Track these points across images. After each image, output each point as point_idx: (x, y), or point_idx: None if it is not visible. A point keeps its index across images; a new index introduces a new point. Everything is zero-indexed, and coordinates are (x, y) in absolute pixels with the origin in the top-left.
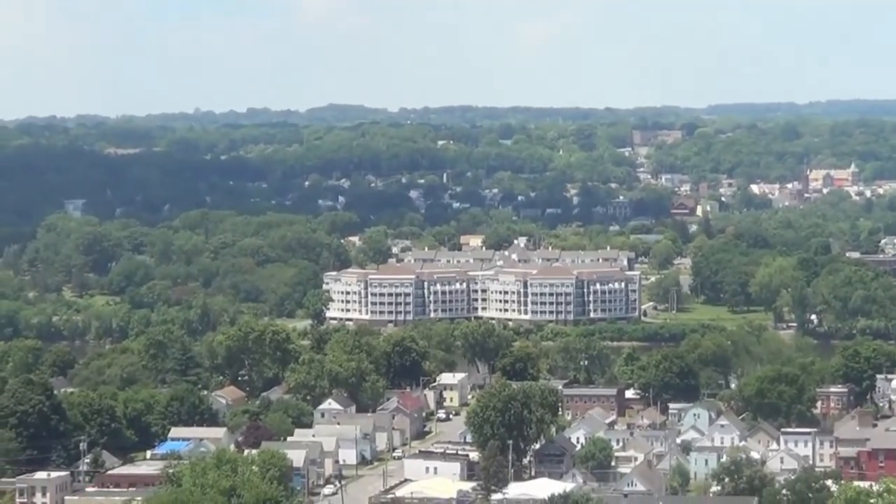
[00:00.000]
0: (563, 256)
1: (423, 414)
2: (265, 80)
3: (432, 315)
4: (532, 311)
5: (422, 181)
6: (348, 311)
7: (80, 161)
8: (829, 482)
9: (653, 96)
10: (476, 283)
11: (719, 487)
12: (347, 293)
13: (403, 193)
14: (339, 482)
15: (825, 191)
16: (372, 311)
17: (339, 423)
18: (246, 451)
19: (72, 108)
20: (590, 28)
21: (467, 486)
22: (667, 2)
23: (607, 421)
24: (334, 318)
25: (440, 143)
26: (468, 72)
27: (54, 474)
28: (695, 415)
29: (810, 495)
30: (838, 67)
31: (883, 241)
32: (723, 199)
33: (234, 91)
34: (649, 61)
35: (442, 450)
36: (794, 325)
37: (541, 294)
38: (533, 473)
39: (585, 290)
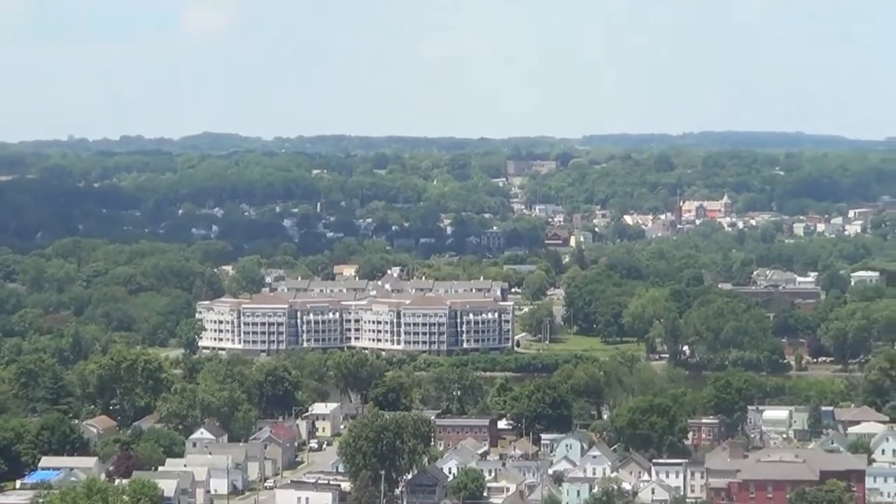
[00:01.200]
0: (436, 286)
1: (296, 444)
2: (139, 106)
3: (305, 345)
4: (405, 342)
5: (296, 210)
6: (221, 340)
7: None
8: None
9: (527, 126)
10: (349, 313)
11: None
12: (220, 322)
13: (277, 222)
14: None
15: (698, 222)
16: (245, 341)
17: (210, 453)
18: (117, 481)
19: None
20: (463, 57)
21: None
22: (540, 30)
23: (480, 451)
24: (207, 348)
25: (314, 172)
26: (343, 101)
27: None
28: (567, 445)
29: None
30: (711, 99)
31: (755, 273)
32: (596, 229)
33: (107, 118)
34: (523, 91)
35: (314, 480)
36: (667, 355)
37: (414, 324)
38: (405, 503)
39: (459, 320)
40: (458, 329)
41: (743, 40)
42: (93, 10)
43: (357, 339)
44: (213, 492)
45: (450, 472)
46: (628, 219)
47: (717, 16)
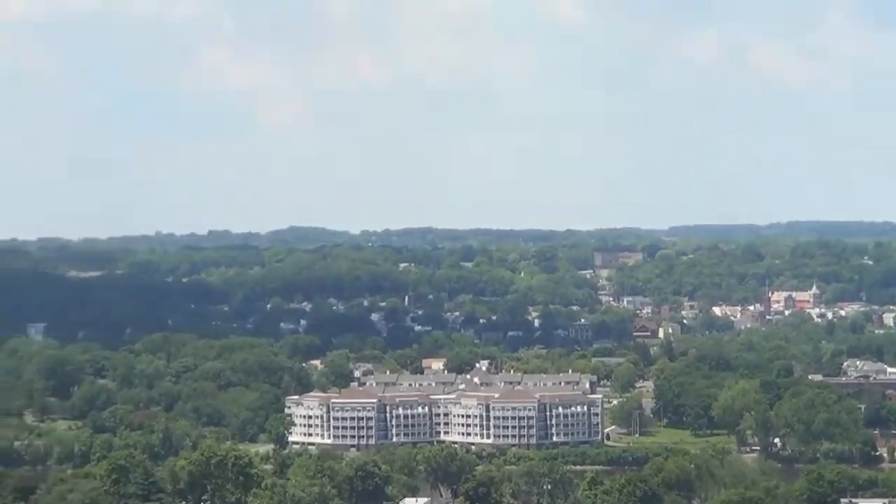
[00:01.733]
0: (525, 380)
1: None
2: (226, 202)
3: (395, 439)
4: (494, 435)
5: (383, 304)
6: (310, 435)
7: (41, 284)
8: None
9: (614, 218)
10: (438, 407)
11: None
12: (309, 417)
13: (365, 316)
14: None
15: (787, 313)
16: (334, 436)
17: None
18: None
19: (33, 231)
20: (549, 149)
21: None
22: (624, 125)
23: None
24: (296, 443)
25: (402, 265)
26: (429, 194)
27: None
28: None
29: None
30: (799, 189)
31: (845, 364)
32: (684, 321)
33: (194, 213)
34: (610, 182)
35: None
36: (758, 448)
37: (503, 418)
38: None
39: (548, 413)
40: (548, 422)
41: (829, 130)
42: (176, 106)
43: (446, 433)
44: None
45: None
46: (716, 310)
47: (801, 106)
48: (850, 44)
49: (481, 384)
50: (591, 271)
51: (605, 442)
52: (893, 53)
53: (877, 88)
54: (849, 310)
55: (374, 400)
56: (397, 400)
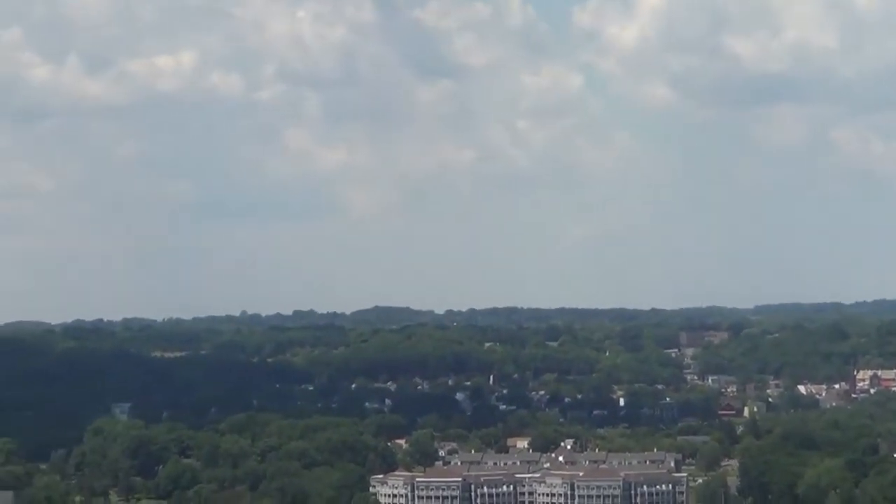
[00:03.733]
0: (609, 458)
1: None
2: (311, 282)
3: None
4: None
5: (468, 383)
6: None
7: (126, 364)
8: None
9: (699, 296)
10: (523, 486)
11: None
12: (394, 496)
13: (450, 396)
14: None
15: (872, 391)
16: None
17: None
18: None
19: (118, 312)
20: (633, 228)
21: None
22: (704, 201)
23: None
24: None
25: (487, 345)
26: (513, 273)
27: None
28: None
29: None
30: (884, 267)
31: None
32: (770, 399)
33: (279, 294)
34: (694, 261)
35: None
36: None
37: (588, 496)
38: None
39: (633, 492)
40: (633, 501)
41: None
42: (258, 189)
43: None
44: None
45: None
46: (802, 388)
47: (883, 185)
48: None
49: (566, 463)
50: (677, 350)
51: None
52: None
53: None
54: None
55: (459, 479)
56: (482, 479)
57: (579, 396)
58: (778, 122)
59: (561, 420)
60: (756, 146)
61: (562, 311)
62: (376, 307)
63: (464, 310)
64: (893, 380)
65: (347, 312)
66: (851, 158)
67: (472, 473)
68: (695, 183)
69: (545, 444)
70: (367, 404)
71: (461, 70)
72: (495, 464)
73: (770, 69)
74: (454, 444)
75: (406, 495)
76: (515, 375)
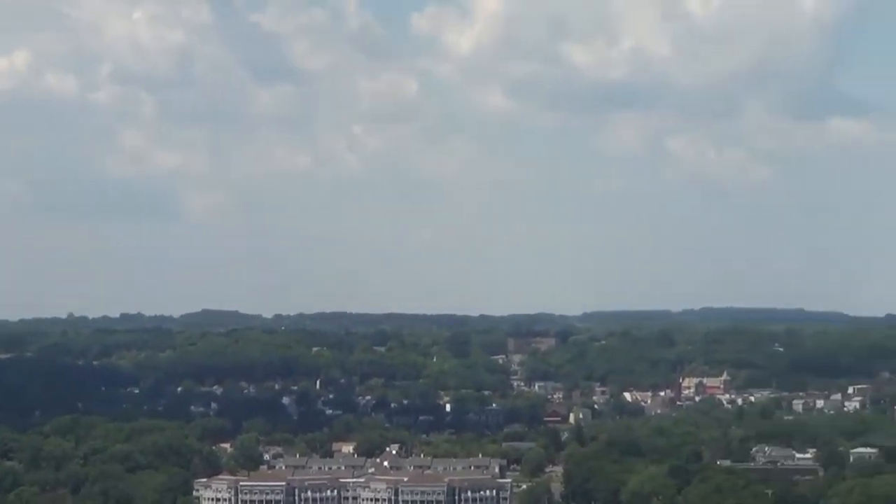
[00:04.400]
0: (435, 464)
1: None
2: (140, 284)
3: None
4: None
5: (295, 387)
6: None
7: None
8: None
9: (527, 303)
10: (347, 491)
11: None
12: (218, 500)
13: (276, 400)
14: None
15: (697, 399)
16: None
17: None
18: None
19: None
20: (465, 234)
21: None
22: (537, 208)
23: None
24: None
25: (314, 349)
26: (343, 278)
27: None
28: None
29: None
30: (711, 276)
31: (754, 450)
32: (595, 406)
33: (107, 296)
34: (524, 268)
35: None
36: None
37: (412, 501)
38: None
39: (457, 497)
40: None
41: (743, 219)
42: (90, 188)
43: None
44: None
45: None
46: (627, 395)
47: (715, 196)
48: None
49: (391, 468)
50: (504, 356)
51: None
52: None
53: (796, 177)
54: (759, 396)
55: (283, 483)
56: (306, 483)
57: (405, 402)
58: (616, 129)
59: (387, 425)
60: (595, 153)
61: (390, 317)
62: (205, 310)
63: (292, 314)
64: (718, 387)
65: (176, 315)
66: (687, 166)
67: (297, 478)
68: (531, 190)
69: (370, 449)
70: (192, 408)
71: (299, 74)
72: (320, 468)
73: (608, 77)
74: (279, 449)
75: (230, 499)
76: (342, 380)
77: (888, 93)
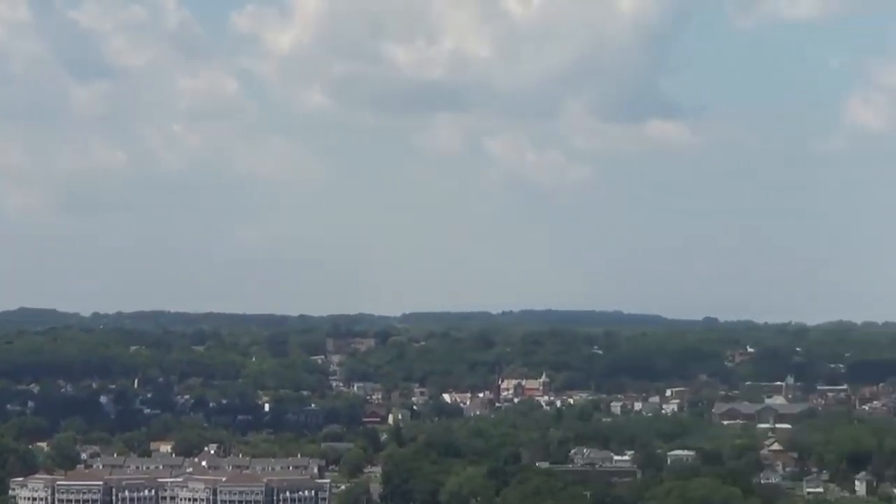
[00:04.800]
0: (253, 464)
1: None
2: None
3: None
4: None
5: (113, 386)
6: None
7: None
8: None
9: (347, 304)
10: (165, 490)
11: None
12: (34, 500)
13: (94, 399)
14: None
15: (516, 400)
16: None
17: None
18: None
19: None
20: (286, 234)
21: None
22: (357, 206)
23: None
24: None
25: (132, 348)
26: (161, 277)
27: None
28: None
29: None
30: (531, 277)
31: (572, 451)
32: (414, 407)
33: None
34: (342, 269)
35: None
36: None
37: (230, 501)
38: None
39: (275, 497)
40: None
41: (562, 220)
42: None
43: None
44: None
45: None
46: (447, 396)
47: (537, 195)
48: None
49: (209, 468)
50: (323, 356)
51: None
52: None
53: (614, 178)
54: (577, 398)
55: (101, 482)
56: (124, 483)
57: (224, 401)
58: (436, 129)
59: (205, 425)
60: (415, 153)
61: (209, 316)
62: (21, 308)
63: (111, 312)
64: (537, 389)
65: None
66: (507, 166)
67: (114, 477)
68: (351, 189)
69: (189, 449)
70: (9, 406)
71: (117, 71)
72: (138, 468)
73: (428, 77)
74: (97, 448)
75: (46, 499)
76: (160, 379)
77: (706, 96)
